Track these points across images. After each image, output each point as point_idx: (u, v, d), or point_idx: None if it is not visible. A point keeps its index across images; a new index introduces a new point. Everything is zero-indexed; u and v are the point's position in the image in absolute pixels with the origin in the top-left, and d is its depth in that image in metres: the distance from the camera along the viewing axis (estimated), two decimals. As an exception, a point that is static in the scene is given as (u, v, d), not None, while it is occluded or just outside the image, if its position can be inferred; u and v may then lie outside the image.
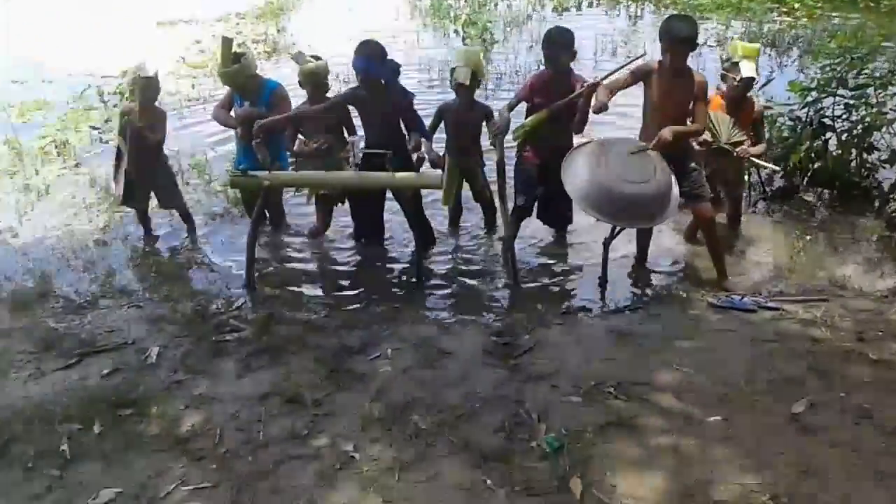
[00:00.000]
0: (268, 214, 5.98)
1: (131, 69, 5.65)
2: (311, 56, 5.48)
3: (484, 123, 5.40)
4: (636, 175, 4.59)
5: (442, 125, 5.57)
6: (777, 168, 6.10)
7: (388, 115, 5.18)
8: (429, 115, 5.58)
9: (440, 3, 14.72)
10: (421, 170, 5.19)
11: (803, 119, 6.43)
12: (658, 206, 4.70)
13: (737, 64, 5.36)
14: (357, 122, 5.54)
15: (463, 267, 5.58)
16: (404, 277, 5.43)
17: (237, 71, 5.38)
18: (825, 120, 6.39)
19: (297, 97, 5.64)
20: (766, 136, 5.96)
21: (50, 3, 15.56)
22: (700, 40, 4.79)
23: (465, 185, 5.79)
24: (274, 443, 3.48)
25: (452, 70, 5.33)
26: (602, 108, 4.68)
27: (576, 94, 4.98)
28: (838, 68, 6.37)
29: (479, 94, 5.56)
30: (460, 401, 3.74)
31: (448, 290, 5.26)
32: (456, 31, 12.96)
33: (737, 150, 5.25)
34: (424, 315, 4.82)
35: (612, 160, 4.65)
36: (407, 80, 5.44)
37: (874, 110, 6.24)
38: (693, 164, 5.01)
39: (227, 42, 5.41)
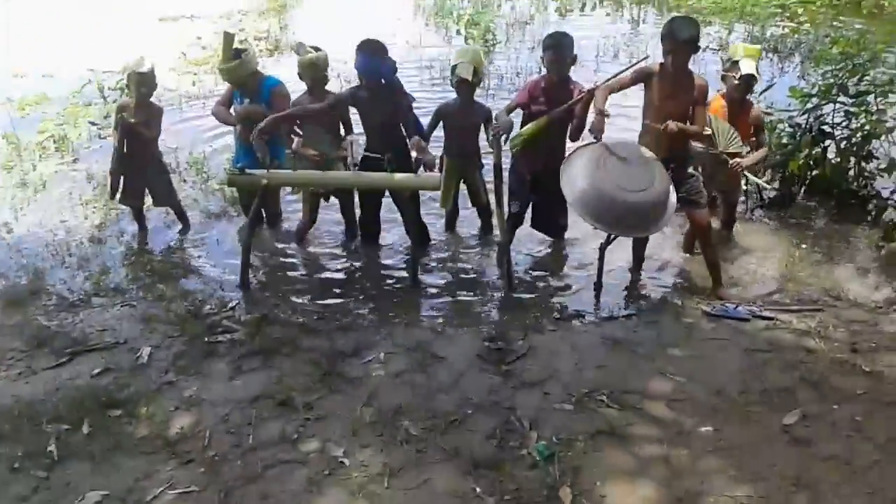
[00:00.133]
0: (264, 214, 5.96)
1: (128, 65, 5.63)
2: (312, 47, 5.45)
3: (483, 125, 5.37)
4: (635, 183, 4.57)
5: (441, 127, 5.53)
6: (767, 186, 6.08)
7: (389, 115, 5.16)
8: (429, 113, 5.56)
9: (443, 3, 14.70)
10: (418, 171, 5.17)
11: (803, 126, 6.41)
12: (655, 214, 4.68)
13: (737, 63, 5.36)
14: (356, 120, 5.51)
15: (458, 271, 5.56)
16: (399, 281, 5.41)
17: (237, 67, 5.35)
18: (825, 127, 6.37)
19: (297, 92, 5.60)
20: (766, 142, 5.93)
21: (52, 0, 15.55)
22: (702, 44, 4.76)
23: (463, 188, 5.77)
24: (263, 447, 3.47)
25: (453, 68, 5.30)
26: (600, 130, 4.68)
27: (574, 101, 4.96)
28: (839, 75, 6.35)
29: (478, 95, 5.53)
30: (452, 407, 3.73)
31: (443, 295, 5.24)
32: (458, 32, 12.93)
33: (731, 162, 5.21)
34: (418, 319, 4.81)
35: (612, 166, 4.62)
36: (408, 79, 5.43)
37: (874, 118, 6.22)
38: (691, 170, 5.00)
39: (228, 37, 5.39)
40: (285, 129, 5.38)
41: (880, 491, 3.15)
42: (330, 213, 6.00)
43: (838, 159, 6.35)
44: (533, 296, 5.18)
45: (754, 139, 5.58)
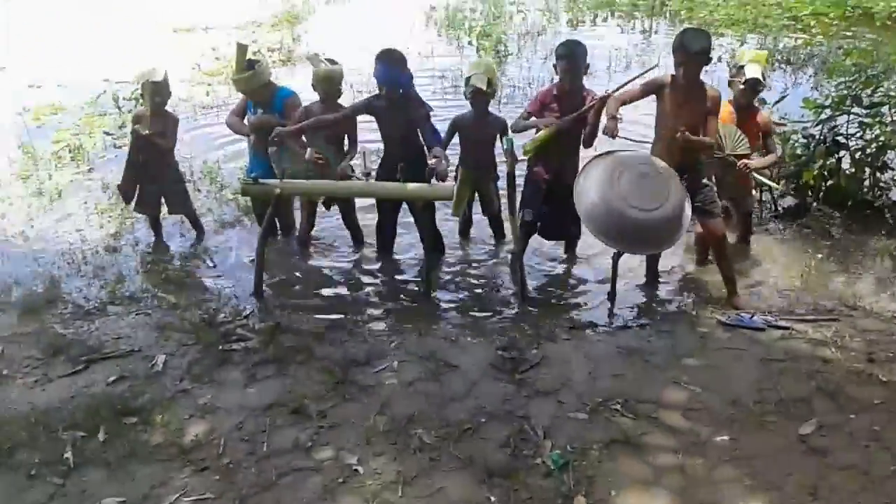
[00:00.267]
0: (278, 223, 5.98)
1: (141, 74, 5.66)
2: (327, 59, 5.47)
3: (499, 137, 5.37)
4: (647, 202, 4.56)
5: (457, 138, 5.54)
6: (777, 186, 6.05)
7: (406, 125, 5.18)
8: (442, 121, 5.58)
9: (455, 14, 14.75)
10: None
11: (817, 137, 6.39)
12: (667, 233, 4.71)
13: (743, 68, 5.35)
14: (363, 127, 5.51)
15: (471, 280, 5.56)
16: (412, 289, 5.41)
17: (251, 77, 5.38)
18: (839, 138, 6.35)
19: (309, 101, 5.61)
20: (780, 151, 5.91)
21: (68, 10, 15.67)
22: (714, 56, 4.75)
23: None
24: (277, 454, 3.47)
25: (467, 80, 5.31)
26: (613, 130, 4.68)
27: (586, 108, 4.97)
28: (853, 86, 6.34)
29: (491, 107, 5.54)
30: (466, 415, 3.72)
31: (456, 303, 5.24)
32: (470, 43, 12.97)
33: (739, 163, 5.21)
34: (431, 328, 4.79)
35: (626, 182, 4.61)
36: (420, 89, 5.42)
37: (888, 129, 6.20)
38: (705, 180, 5.00)
39: (241, 48, 5.42)
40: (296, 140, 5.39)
41: (898, 501, 3.13)
42: (340, 222, 6.02)
43: (853, 170, 6.33)
44: (546, 305, 5.19)
45: (763, 145, 5.55)
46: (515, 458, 3.42)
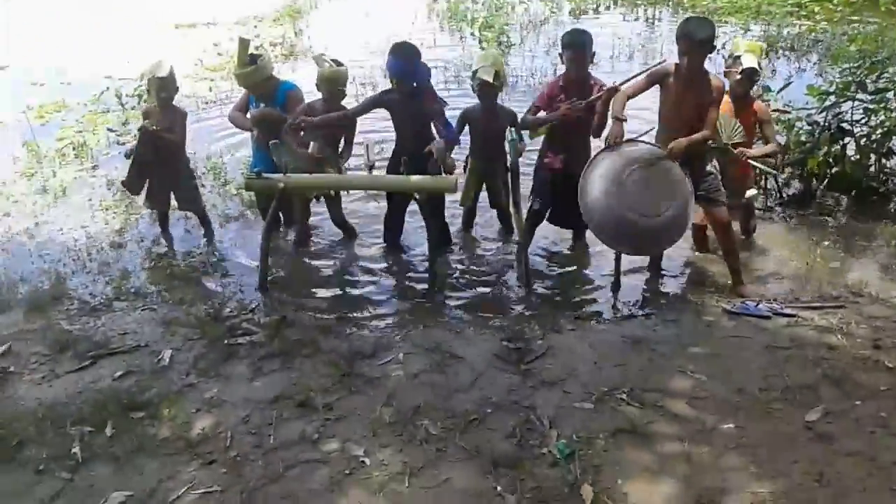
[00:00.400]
0: (282, 217, 5.99)
1: (147, 70, 5.66)
2: (333, 60, 5.47)
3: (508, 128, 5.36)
4: (652, 206, 4.58)
5: (466, 130, 5.53)
6: (773, 172, 6.01)
7: (420, 119, 5.17)
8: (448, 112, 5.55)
9: (457, 6, 14.72)
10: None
11: (821, 123, 6.37)
12: (671, 234, 4.75)
13: (738, 58, 5.33)
14: (367, 120, 5.49)
15: (476, 272, 5.56)
16: (417, 281, 5.42)
17: (253, 72, 5.38)
18: (844, 124, 6.33)
19: (311, 98, 5.62)
20: (783, 140, 5.87)
21: (70, 7, 15.68)
22: (717, 44, 4.73)
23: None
24: (284, 447, 3.48)
25: (474, 73, 5.30)
26: (617, 136, 4.67)
27: (594, 98, 4.96)
28: (857, 72, 6.32)
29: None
30: (472, 406, 3.73)
31: (461, 295, 5.24)
32: (472, 34, 12.95)
33: (736, 151, 5.19)
34: (436, 319, 4.80)
35: (630, 184, 4.60)
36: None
37: (893, 115, 6.18)
38: (709, 169, 4.98)
39: (243, 43, 5.41)
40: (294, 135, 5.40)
41: (905, 487, 3.12)
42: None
43: (858, 156, 6.31)
44: (551, 295, 5.18)
45: (762, 134, 5.52)
46: (521, 448, 3.43)
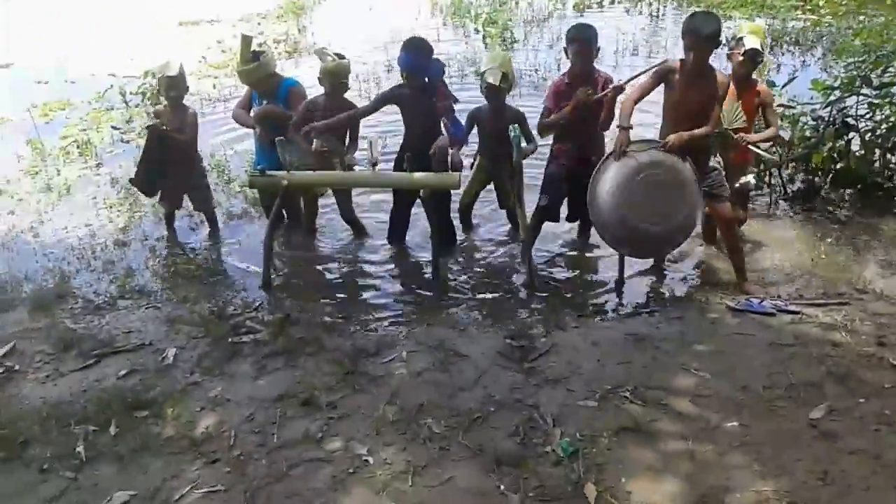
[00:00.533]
0: (285, 215, 5.99)
1: (157, 68, 5.65)
2: (335, 54, 5.46)
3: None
4: (659, 213, 4.63)
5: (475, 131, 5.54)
6: (769, 156, 5.95)
7: (429, 115, 5.17)
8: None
9: (460, 1, 14.70)
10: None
11: (826, 119, 6.34)
12: (678, 238, 4.83)
13: (741, 40, 5.30)
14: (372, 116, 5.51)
15: (480, 269, 5.56)
16: (421, 279, 5.41)
17: (256, 69, 5.38)
18: (848, 119, 6.29)
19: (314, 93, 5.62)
20: (787, 136, 5.84)
21: (73, 5, 15.69)
22: (723, 38, 4.71)
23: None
24: (288, 446, 3.48)
25: (482, 75, 5.30)
26: (623, 144, 4.68)
27: (601, 94, 4.95)
28: (862, 67, 6.29)
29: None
30: (475, 404, 3.72)
31: (464, 293, 5.24)
32: (476, 30, 12.93)
33: (736, 136, 5.16)
34: (440, 317, 4.80)
35: (639, 188, 4.63)
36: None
37: (899, 110, 6.15)
38: (713, 164, 4.97)
39: (246, 40, 5.41)
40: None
41: (910, 485, 3.11)
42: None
43: (863, 152, 6.28)
44: (555, 293, 5.18)
45: (763, 118, 5.48)
46: (525, 446, 3.42)
